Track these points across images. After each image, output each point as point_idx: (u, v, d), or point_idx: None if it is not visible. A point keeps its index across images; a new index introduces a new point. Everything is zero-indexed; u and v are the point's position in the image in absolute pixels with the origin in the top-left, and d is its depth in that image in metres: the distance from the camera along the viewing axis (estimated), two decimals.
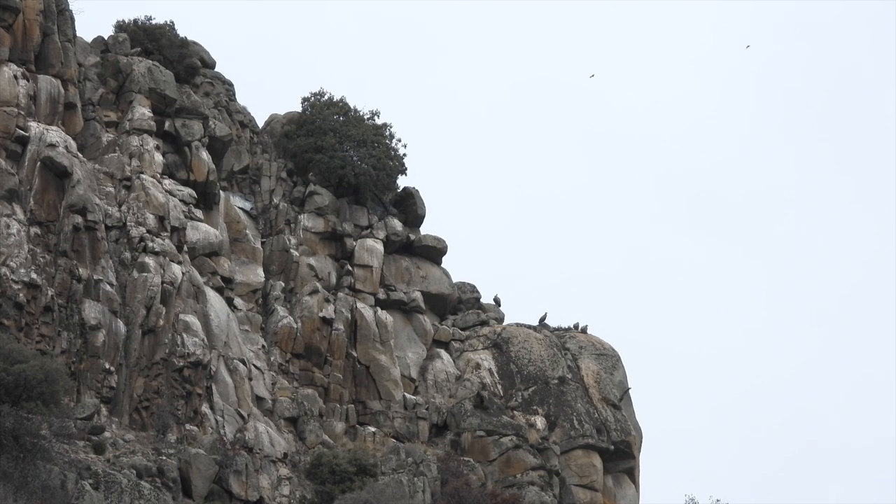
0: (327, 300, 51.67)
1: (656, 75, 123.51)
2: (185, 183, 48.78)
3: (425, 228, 56.77)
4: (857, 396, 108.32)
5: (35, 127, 43.98)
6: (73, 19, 47.89)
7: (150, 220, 45.82)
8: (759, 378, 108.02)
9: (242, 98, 55.25)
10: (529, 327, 56.80)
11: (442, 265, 56.69)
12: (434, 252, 56.40)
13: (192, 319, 44.97)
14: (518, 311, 69.90)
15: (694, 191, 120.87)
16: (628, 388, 55.48)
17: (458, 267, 60.62)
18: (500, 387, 53.72)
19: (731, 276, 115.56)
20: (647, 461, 56.24)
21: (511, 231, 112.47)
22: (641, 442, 55.24)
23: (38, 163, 43.38)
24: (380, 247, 54.10)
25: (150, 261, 44.62)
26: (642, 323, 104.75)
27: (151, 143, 48.10)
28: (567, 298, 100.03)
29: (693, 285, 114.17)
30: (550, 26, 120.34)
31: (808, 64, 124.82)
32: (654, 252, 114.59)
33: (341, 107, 55.93)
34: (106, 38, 51.23)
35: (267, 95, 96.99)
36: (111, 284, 43.47)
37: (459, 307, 57.05)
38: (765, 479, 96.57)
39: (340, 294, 52.27)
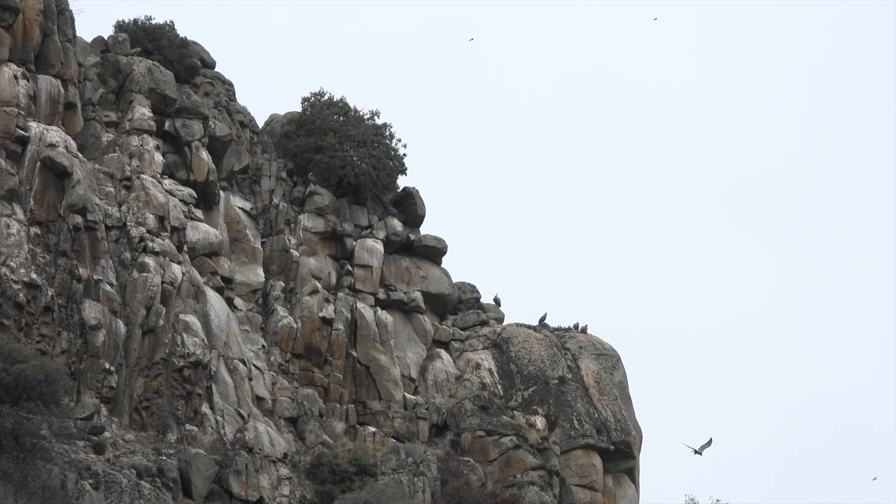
0: (327, 300, 51.69)
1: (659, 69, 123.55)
2: (185, 183, 48.80)
3: (425, 228, 56.83)
4: (861, 396, 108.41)
5: (35, 127, 43.98)
6: (73, 19, 47.88)
7: (150, 220, 45.83)
8: (761, 377, 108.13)
9: (242, 98, 55.32)
10: (529, 327, 56.81)
11: (442, 265, 56.71)
12: (434, 252, 56.41)
13: (192, 319, 44.98)
14: (518, 311, 70.05)
15: (686, 192, 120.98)
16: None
17: (458, 267, 60.74)
18: (500, 387, 53.73)
19: (729, 275, 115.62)
20: (647, 461, 56.35)
21: (511, 231, 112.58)
22: (641, 442, 55.26)
23: (38, 163, 43.39)
24: (380, 247, 54.12)
25: (150, 261, 44.63)
26: (642, 322, 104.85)
27: (151, 143, 48.11)
28: (567, 298, 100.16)
29: (691, 286, 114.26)
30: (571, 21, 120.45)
31: (834, 54, 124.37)
32: (652, 252, 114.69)
33: (341, 107, 55.95)
34: (106, 38, 51.24)
35: (267, 95, 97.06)
36: (111, 284, 43.48)
37: (459, 307, 57.07)
38: (765, 479, 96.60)
39: (340, 294, 52.29)
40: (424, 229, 56.70)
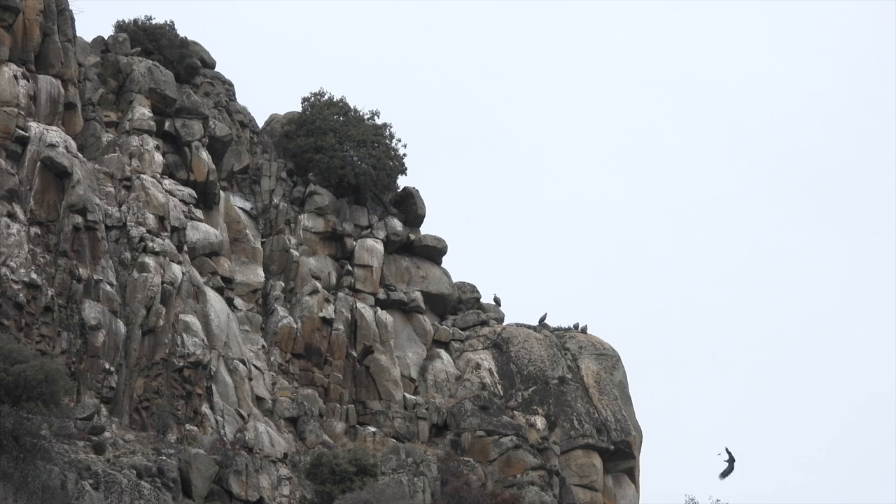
0: (327, 300, 51.69)
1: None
2: (185, 183, 48.80)
3: (425, 228, 56.83)
4: (862, 397, 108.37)
5: (35, 127, 43.99)
6: (73, 19, 47.88)
7: (150, 220, 45.83)
8: (760, 377, 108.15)
9: (242, 98, 55.34)
10: (529, 327, 56.82)
11: (442, 265, 56.71)
12: (434, 252, 56.42)
13: (192, 319, 44.98)
14: (518, 311, 70.08)
15: (683, 190, 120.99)
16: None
17: (458, 267, 60.74)
18: (500, 387, 53.74)
19: (727, 272, 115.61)
20: (647, 461, 56.35)
21: (511, 230, 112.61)
22: (641, 442, 55.26)
23: (38, 163, 43.40)
24: (380, 247, 54.12)
25: (150, 261, 44.63)
26: (642, 322, 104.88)
27: (151, 143, 48.12)
28: (567, 298, 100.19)
29: (690, 285, 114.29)
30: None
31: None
32: (652, 251, 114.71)
33: (341, 107, 55.96)
34: (106, 38, 51.25)
35: (267, 95, 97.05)
36: (111, 284, 43.49)
37: (459, 307, 57.08)
38: (765, 480, 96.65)
39: (340, 294, 52.29)
40: (424, 229, 56.73)
